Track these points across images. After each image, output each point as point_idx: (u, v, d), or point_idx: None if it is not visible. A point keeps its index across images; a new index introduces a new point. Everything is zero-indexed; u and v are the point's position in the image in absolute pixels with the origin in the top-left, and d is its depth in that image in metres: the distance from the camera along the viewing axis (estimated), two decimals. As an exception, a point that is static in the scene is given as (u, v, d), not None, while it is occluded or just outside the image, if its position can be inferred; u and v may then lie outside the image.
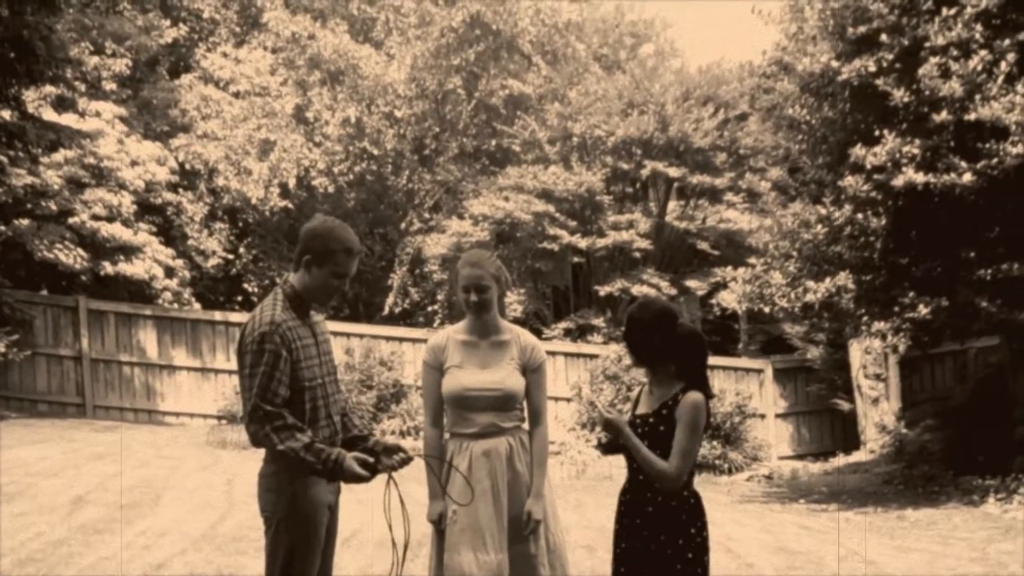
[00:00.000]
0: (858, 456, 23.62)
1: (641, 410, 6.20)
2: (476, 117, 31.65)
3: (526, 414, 6.86)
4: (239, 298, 29.36)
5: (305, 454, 5.52)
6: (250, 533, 11.43)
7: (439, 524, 6.58)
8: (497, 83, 31.19)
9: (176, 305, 25.38)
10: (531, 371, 6.76)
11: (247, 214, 28.78)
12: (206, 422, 23.57)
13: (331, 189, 29.24)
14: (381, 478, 5.88)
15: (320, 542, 5.79)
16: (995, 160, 15.63)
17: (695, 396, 6.02)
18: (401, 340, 25.00)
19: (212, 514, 13.12)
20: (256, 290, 28.96)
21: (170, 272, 25.42)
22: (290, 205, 28.56)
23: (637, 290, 26.74)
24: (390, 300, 29.83)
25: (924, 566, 12.15)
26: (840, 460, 23.84)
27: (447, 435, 6.79)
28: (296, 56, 30.36)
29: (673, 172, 27.83)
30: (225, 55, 30.14)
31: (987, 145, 15.75)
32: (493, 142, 31.77)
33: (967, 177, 15.72)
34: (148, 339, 24.57)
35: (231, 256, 28.67)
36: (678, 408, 5.99)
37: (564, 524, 7.01)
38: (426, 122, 31.15)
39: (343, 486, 5.96)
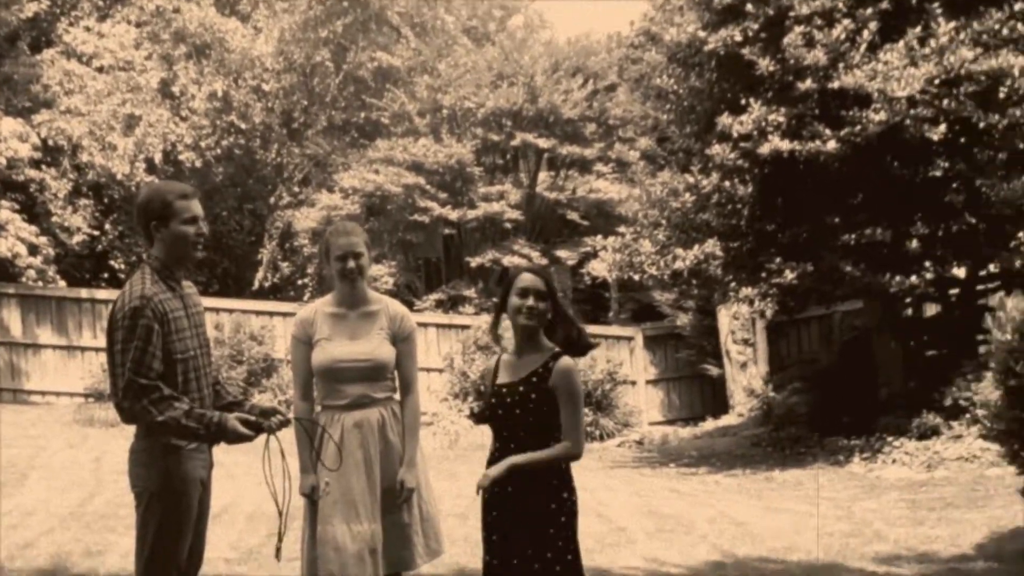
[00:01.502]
0: (727, 420, 23.91)
1: (504, 379, 6.06)
2: (345, 90, 31.42)
3: (397, 384, 6.84)
4: (105, 275, 28.85)
5: (186, 420, 5.44)
6: (119, 511, 11.27)
7: (312, 496, 6.54)
8: (366, 56, 30.99)
9: (40, 283, 24.86)
10: (401, 340, 6.73)
11: (112, 190, 28.24)
12: (73, 400, 23.14)
13: (198, 164, 28.79)
14: (261, 443, 5.81)
15: (192, 518, 5.70)
16: (858, 127, 15.89)
17: (567, 362, 5.97)
18: (271, 314, 24.77)
19: (80, 492, 12.92)
20: (123, 267, 28.46)
21: (34, 249, 24.87)
22: (156, 180, 28.08)
23: (508, 261, 26.78)
24: (260, 275, 29.54)
25: (792, 526, 12.36)
26: (709, 424, 24.10)
27: (318, 408, 6.74)
28: (161, 30, 29.82)
29: (543, 143, 27.92)
30: (88, 29, 29.49)
31: (850, 113, 16.00)
32: (362, 115, 31.56)
33: (831, 144, 15.96)
34: (12, 317, 24.06)
35: (96, 233, 28.13)
36: (553, 377, 5.91)
37: (437, 493, 6.99)
38: (294, 95, 30.86)
39: (215, 462, 5.88)
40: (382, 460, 6.59)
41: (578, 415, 5.90)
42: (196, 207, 5.76)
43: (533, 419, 5.91)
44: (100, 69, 28.53)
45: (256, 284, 29.49)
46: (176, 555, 5.65)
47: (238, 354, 22.86)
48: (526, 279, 6.01)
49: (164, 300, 5.59)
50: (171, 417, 5.43)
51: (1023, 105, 15.65)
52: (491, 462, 6.02)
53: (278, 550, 6.13)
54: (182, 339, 5.64)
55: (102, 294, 24.80)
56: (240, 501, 12.21)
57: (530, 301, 5.96)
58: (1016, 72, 15.55)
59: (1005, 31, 15.88)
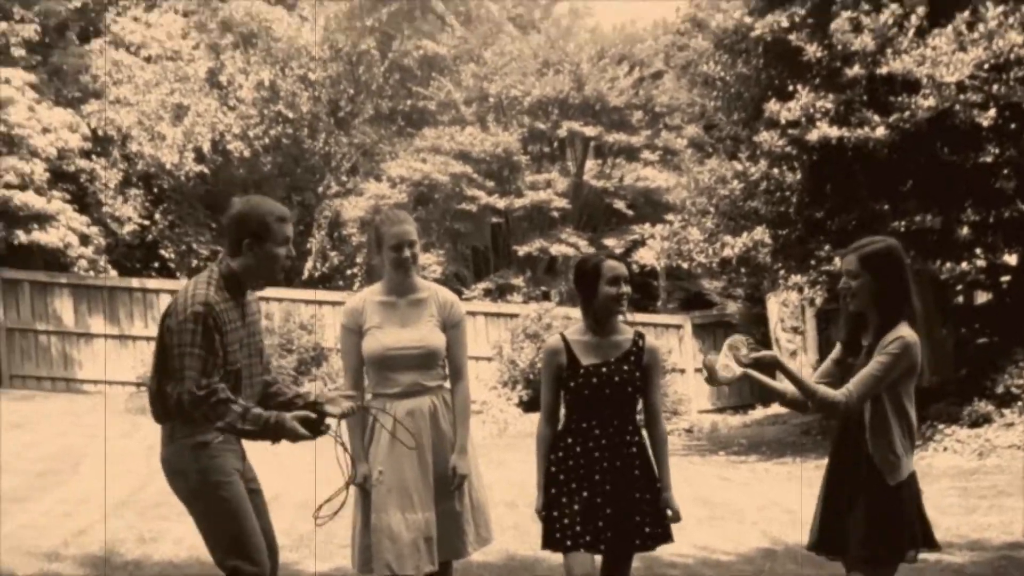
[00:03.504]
0: (776, 408, 23.83)
1: (593, 360, 6.25)
2: (390, 78, 31.40)
3: (447, 371, 6.85)
4: (156, 264, 29.03)
5: (243, 424, 5.50)
6: (171, 498, 11.15)
7: (364, 486, 6.53)
8: (411, 44, 30.96)
9: (92, 273, 25.05)
10: (451, 327, 6.72)
11: (162, 180, 28.40)
12: (125, 389, 23.32)
13: (247, 153, 28.90)
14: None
15: (246, 502, 5.76)
16: (907, 113, 15.82)
17: (653, 340, 6.50)
18: (320, 303, 24.90)
19: (133, 480, 13.04)
20: (173, 256, 28.61)
21: (85, 240, 25.07)
22: (205, 170, 28.19)
23: (556, 250, 26.81)
24: (309, 264, 29.59)
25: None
26: (759, 413, 24.07)
27: (369, 396, 6.74)
28: (207, 19, 29.93)
29: (589, 131, 27.88)
30: (136, 19, 29.68)
31: (899, 99, 15.94)
32: (408, 103, 31.55)
33: (880, 131, 15.89)
34: (64, 307, 24.29)
35: (147, 222, 28.29)
36: (646, 355, 6.32)
37: (486, 481, 7.02)
38: (341, 84, 30.87)
39: (246, 451, 5.92)
40: (434, 448, 6.58)
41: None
42: (290, 230, 5.81)
43: (638, 395, 6.33)
44: (148, 59, 28.72)
45: (305, 274, 29.55)
46: (250, 536, 5.74)
47: (288, 343, 22.99)
48: (617, 268, 6.27)
49: (225, 309, 5.63)
50: (228, 423, 5.50)
51: (1074, 90, 15.56)
52: (585, 442, 6.24)
53: (323, 509, 5.98)
54: (232, 352, 5.68)
55: (153, 284, 25.02)
56: (291, 489, 12.30)
57: (624, 288, 6.24)
58: (1066, 56, 15.48)
59: (1055, 15, 15.79)
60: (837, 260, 16.86)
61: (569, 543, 6.18)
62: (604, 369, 6.22)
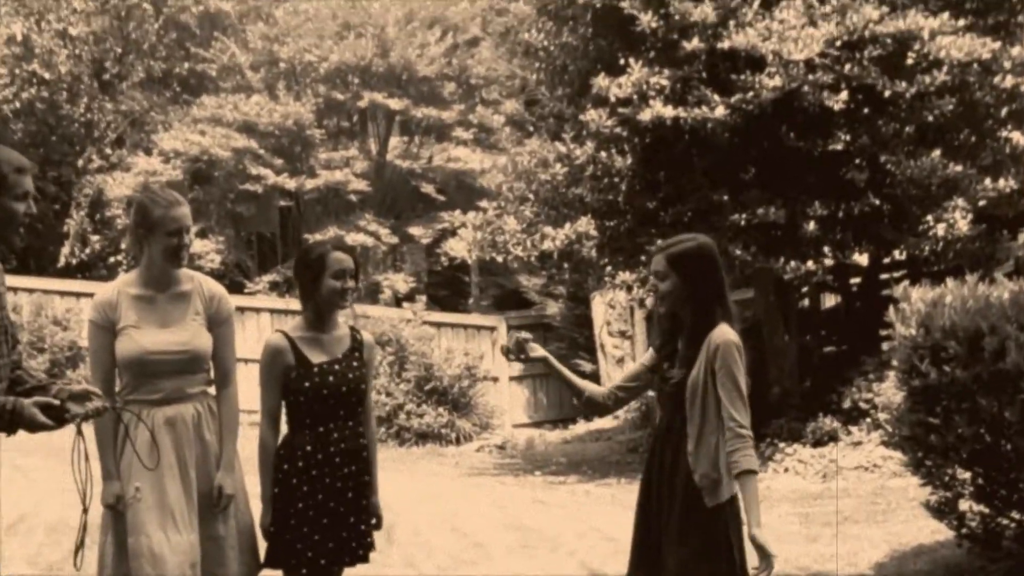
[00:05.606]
0: (601, 423, 24.02)
1: (322, 358, 6.66)
2: (165, 37, 30.93)
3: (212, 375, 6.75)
4: None
5: None
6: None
7: (117, 506, 6.35)
8: (190, -2, 30.62)
9: None
10: (218, 325, 6.62)
11: None
12: None
13: (-7, 119, 28.30)
14: (65, 442, 5.70)
15: None
16: (750, 93, 15.97)
17: (369, 335, 7.05)
18: (78, 295, 24.34)
19: None
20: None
21: None
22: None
23: (353, 239, 26.67)
24: (66, 250, 28.99)
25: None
26: (581, 427, 24.23)
27: (120, 403, 6.53)
28: (-49, -38, 29.23)
29: (395, 104, 27.83)
30: None
31: (742, 77, 16.09)
32: (186, 66, 31.14)
33: (720, 111, 16.03)
34: None
35: None
36: (366, 350, 6.84)
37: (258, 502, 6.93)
38: (107, 41, 30.28)
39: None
40: (197, 462, 6.47)
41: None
42: (30, 183, 5.63)
43: (366, 390, 6.81)
44: None
45: (62, 260, 28.96)
46: None
47: (39, 340, 22.48)
48: (344, 260, 6.70)
49: None
50: None
51: (933, 72, 15.89)
52: (325, 448, 6.60)
53: (76, 552, 5.97)
54: None
55: None
56: (40, 510, 12.02)
57: (349, 283, 6.65)
58: (925, 35, 15.78)
59: (914, -12, 16.14)
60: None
61: (323, 561, 6.59)
62: (337, 367, 6.64)
